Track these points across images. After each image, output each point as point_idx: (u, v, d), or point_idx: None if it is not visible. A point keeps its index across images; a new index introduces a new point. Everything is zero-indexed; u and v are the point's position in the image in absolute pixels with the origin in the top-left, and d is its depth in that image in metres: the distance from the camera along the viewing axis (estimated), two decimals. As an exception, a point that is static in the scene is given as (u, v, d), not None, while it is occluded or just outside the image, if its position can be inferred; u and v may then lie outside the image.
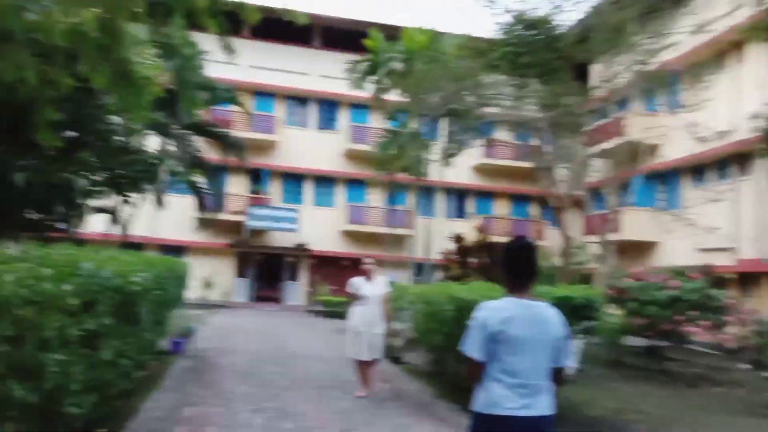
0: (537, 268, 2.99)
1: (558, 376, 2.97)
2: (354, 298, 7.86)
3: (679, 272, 13.67)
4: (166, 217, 26.54)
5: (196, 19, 5.70)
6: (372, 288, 7.82)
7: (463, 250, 15.05)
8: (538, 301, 2.96)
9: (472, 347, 2.84)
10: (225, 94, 15.01)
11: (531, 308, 2.89)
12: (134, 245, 27.68)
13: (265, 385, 8.39)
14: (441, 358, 9.86)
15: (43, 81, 5.47)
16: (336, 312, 23.87)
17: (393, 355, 12.25)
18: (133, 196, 16.81)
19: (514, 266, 2.97)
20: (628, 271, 13.35)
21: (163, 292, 6.95)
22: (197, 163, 14.36)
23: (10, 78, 4.96)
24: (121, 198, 9.71)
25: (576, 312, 6.47)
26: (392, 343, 13.93)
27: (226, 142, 14.86)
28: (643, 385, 10.71)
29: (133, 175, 8.18)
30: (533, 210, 30.30)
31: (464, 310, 7.44)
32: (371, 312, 7.68)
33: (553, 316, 2.92)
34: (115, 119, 9.74)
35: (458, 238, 15.16)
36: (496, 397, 2.77)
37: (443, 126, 15.34)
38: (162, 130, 12.36)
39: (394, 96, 16.30)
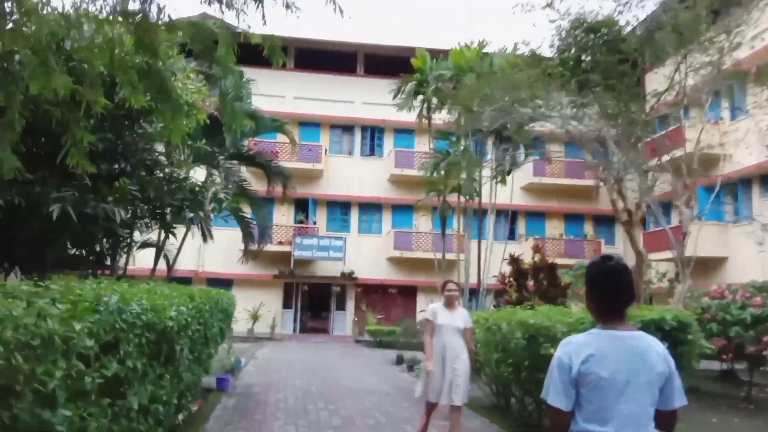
0: (633, 291, 2.47)
1: (667, 420, 2.42)
2: (428, 328, 6.58)
3: (762, 288, 12.44)
4: (212, 250, 26.57)
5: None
6: (452, 317, 6.51)
7: (520, 272, 14.19)
8: (633, 331, 2.45)
9: (554, 393, 2.37)
10: (271, 123, 14.75)
11: (625, 340, 2.37)
12: (181, 280, 28.01)
13: (316, 426, 7.75)
14: (507, 391, 9.06)
15: (76, 101, 5.13)
16: (384, 342, 23.16)
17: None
18: (178, 228, 16.73)
19: (605, 290, 2.44)
20: (705, 289, 12.21)
21: (204, 327, 6.45)
22: (243, 193, 14.07)
23: (41, 93, 4.62)
24: (165, 230, 9.28)
25: (668, 337, 5.61)
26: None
27: (271, 171, 14.55)
28: (728, 415, 9.58)
29: (178, 204, 7.77)
30: (587, 228, 29.04)
31: (535, 338, 6.71)
32: (451, 345, 6.36)
33: (653, 348, 2.39)
34: (158, 149, 9.49)
35: (514, 260, 14.32)
36: None
37: (495, 143, 14.70)
38: (207, 160, 12.10)
39: (442, 115, 15.73)
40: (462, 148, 13.59)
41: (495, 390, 9.61)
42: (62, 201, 6.48)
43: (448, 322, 6.43)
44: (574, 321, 6.26)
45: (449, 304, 6.59)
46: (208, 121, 10.32)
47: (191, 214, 7.71)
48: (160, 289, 5.52)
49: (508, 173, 14.71)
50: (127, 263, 13.79)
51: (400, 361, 16.65)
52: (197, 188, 8.13)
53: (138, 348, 3.71)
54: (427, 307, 6.96)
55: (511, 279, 14.88)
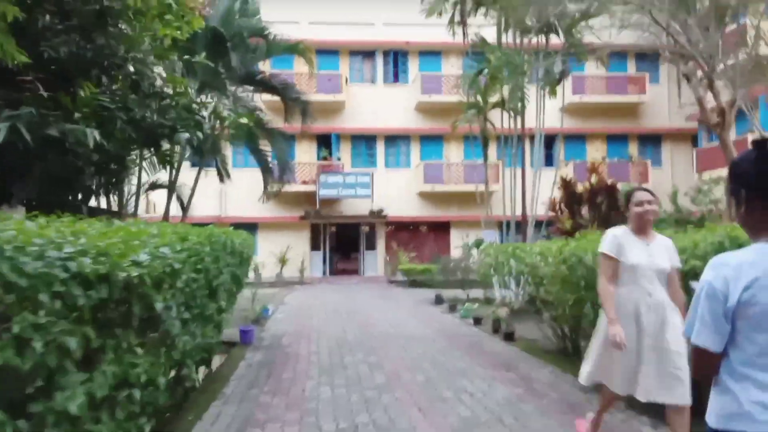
0: None
1: None
2: (608, 270, 3.97)
3: None
4: (235, 192, 25.31)
5: None
6: (650, 253, 3.90)
7: (574, 197, 12.54)
8: None
9: (701, 330, 1.84)
10: (284, 43, 12.94)
11: None
12: (202, 226, 26.86)
13: (356, 384, 6.41)
14: (578, 335, 7.61)
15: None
16: (419, 281, 21.90)
17: (500, 329, 10.07)
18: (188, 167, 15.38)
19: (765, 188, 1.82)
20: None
21: (205, 275, 5.02)
22: (257, 124, 12.48)
23: None
24: (161, 161, 7.74)
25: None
26: (497, 314, 11.76)
27: (288, 98, 12.87)
28: None
29: (170, 124, 6.21)
30: (632, 149, 26.90)
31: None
32: (654, 300, 3.84)
33: None
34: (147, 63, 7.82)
35: (567, 184, 12.64)
36: (743, 404, 1.78)
37: (541, 49, 12.66)
38: (210, 81, 10.45)
39: (477, 20, 13.58)
40: (504, 53, 11.65)
41: (561, 333, 8.17)
42: (15, 119, 4.97)
43: (644, 261, 3.86)
44: (727, 239, 4.29)
45: (642, 228, 3.95)
46: (201, 31, 8.66)
47: (186, 134, 6.16)
48: (141, 228, 4.06)
49: (558, 82, 12.77)
50: (137, 207, 12.50)
51: (439, 301, 15.33)
52: (194, 105, 6.52)
53: (62, 313, 2.23)
54: (606, 235, 4.10)
55: (562, 205, 13.23)
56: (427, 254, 26.09)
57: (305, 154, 26.03)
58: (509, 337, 9.40)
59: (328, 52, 26.26)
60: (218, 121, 6.92)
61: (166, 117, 6.25)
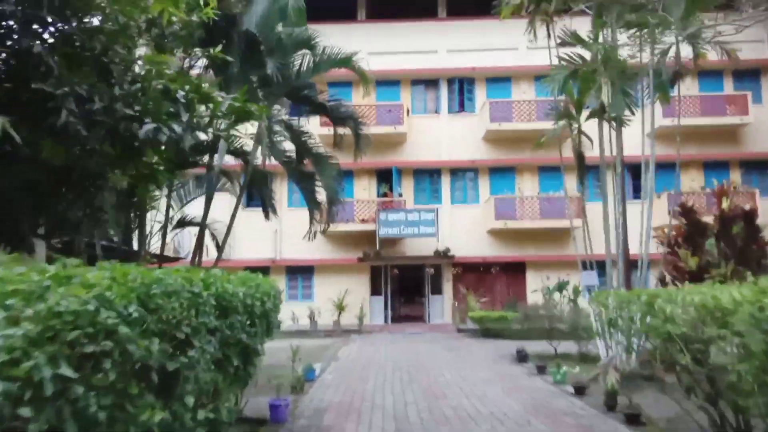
0: None
1: None
2: None
3: None
4: (290, 234, 23.66)
5: None
6: None
7: (697, 228, 9.88)
8: None
9: None
10: (335, 57, 11.16)
11: None
12: (255, 270, 25.22)
13: None
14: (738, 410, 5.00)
15: None
16: (493, 330, 19.20)
17: (616, 404, 7.46)
18: (221, 197, 13.71)
19: None
20: None
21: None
22: (299, 144, 10.63)
23: None
24: (138, 173, 5.72)
25: None
26: (610, 382, 9.12)
27: (338, 115, 10.96)
28: None
29: (132, 114, 4.22)
30: (734, 177, 23.43)
31: None
32: None
33: None
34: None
35: (687, 211, 10.02)
36: None
37: (646, 41, 10.23)
38: (231, 79, 8.62)
39: (563, 22, 11.26)
40: (604, 47, 9.31)
41: (720, 419, 5.56)
42: None
43: None
44: None
45: None
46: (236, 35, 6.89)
47: (151, 126, 4.17)
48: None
49: (672, 84, 10.27)
50: (163, 246, 10.77)
51: (522, 357, 12.68)
52: (171, 83, 4.52)
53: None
54: None
55: (679, 240, 10.51)
56: (499, 299, 23.36)
57: (364, 190, 24.16)
58: (634, 419, 6.78)
59: (389, 82, 24.60)
60: (206, 108, 4.88)
61: (136, 102, 4.31)
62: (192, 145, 10.54)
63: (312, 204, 11.22)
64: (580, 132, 10.39)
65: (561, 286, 20.18)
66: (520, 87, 24.38)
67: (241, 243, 23.87)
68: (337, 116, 10.93)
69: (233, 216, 10.62)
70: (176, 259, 22.23)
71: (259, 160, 12.19)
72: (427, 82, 24.63)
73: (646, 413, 6.94)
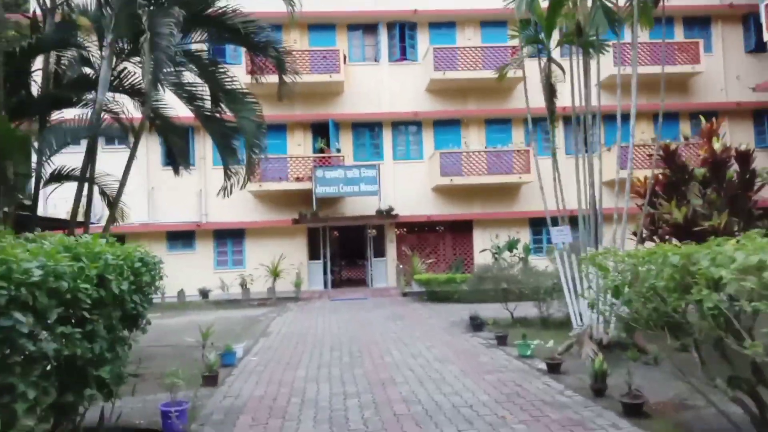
0: None
1: None
2: None
3: None
4: (216, 196, 21.35)
5: None
6: None
7: (683, 174, 8.57)
8: None
9: None
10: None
11: None
12: (180, 235, 22.81)
13: None
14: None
15: None
16: (439, 293, 17.87)
17: (605, 388, 6.08)
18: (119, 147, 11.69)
19: None
20: None
21: None
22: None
23: None
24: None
25: None
26: (583, 352, 7.85)
27: (254, 46, 8.84)
28: None
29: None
30: (683, 129, 22.79)
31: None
32: None
33: None
34: None
35: (670, 155, 8.69)
36: None
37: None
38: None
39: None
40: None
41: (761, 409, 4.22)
42: None
43: None
44: None
45: None
46: None
47: None
48: None
49: (655, 3, 8.76)
50: (34, 207, 8.56)
51: (477, 325, 11.27)
52: None
53: None
54: None
55: (657, 190, 9.18)
56: (445, 259, 22.09)
57: (298, 146, 22.04)
58: (633, 409, 5.36)
59: (323, 26, 22.31)
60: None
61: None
62: (71, 80, 8.27)
63: (226, 152, 9.15)
64: (551, 60, 8.79)
65: (511, 245, 19.05)
66: (464, 33, 22.65)
67: (163, 205, 21.45)
68: (253, 44, 8.83)
69: (127, 169, 8.47)
70: (75, 225, 19.58)
71: (165, 104, 10.00)
72: (365, 26, 22.46)
73: (648, 398, 5.56)
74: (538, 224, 22.25)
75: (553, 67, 9.14)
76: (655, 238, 9.38)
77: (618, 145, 9.39)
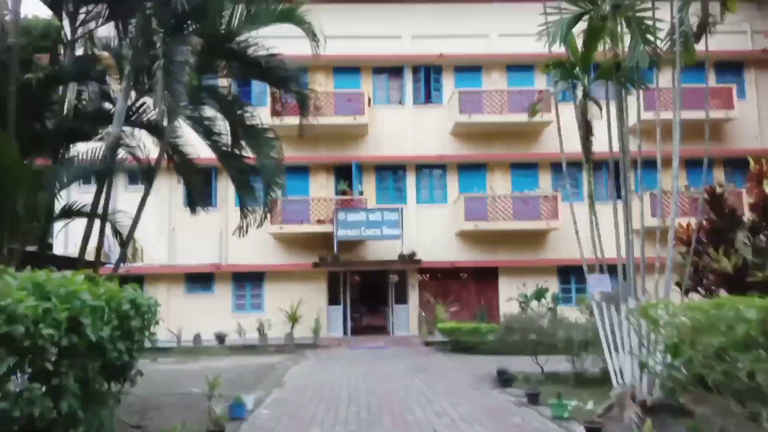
0: None
1: None
2: None
3: None
4: (237, 237, 21.03)
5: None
6: None
7: (732, 221, 7.91)
8: None
9: None
10: (275, 8, 8.81)
11: None
12: (198, 277, 22.36)
13: None
14: None
15: None
16: (463, 343, 17.01)
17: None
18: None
19: None
20: None
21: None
22: (233, 118, 8.20)
23: None
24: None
25: None
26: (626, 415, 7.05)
27: (275, 79, 8.56)
28: None
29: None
30: (717, 176, 21.93)
31: None
32: None
33: None
34: None
35: (716, 200, 8.07)
36: None
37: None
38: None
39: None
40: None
41: None
42: None
43: None
44: None
45: None
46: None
47: None
48: None
49: (698, 38, 8.26)
50: (42, 245, 8.19)
51: (506, 381, 10.46)
52: None
53: None
54: None
55: (701, 237, 8.49)
56: (469, 308, 21.25)
57: (321, 188, 21.73)
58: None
59: (348, 69, 22.30)
60: None
61: None
62: (88, 113, 8.00)
63: (243, 190, 8.75)
64: (587, 95, 8.27)
65: (540, 294, 18.22)
66: (490, 77, 22.42)
67: (183, 247, 21.17)
68: (275, 77, 8.54)
69: (141, 206, 8.10)
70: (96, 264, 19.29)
71: (184, 141, 9.72)
72: (391, 69, 22.41)
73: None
74: (566, 273, 21.42)
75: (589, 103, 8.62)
76: (699, 288, 8.63)
77: (649, 192, 8.80)
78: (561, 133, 9.63)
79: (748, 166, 22.17)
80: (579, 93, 8.60)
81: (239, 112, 8.46)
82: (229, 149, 8.61)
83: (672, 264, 7.78)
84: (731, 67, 22.85)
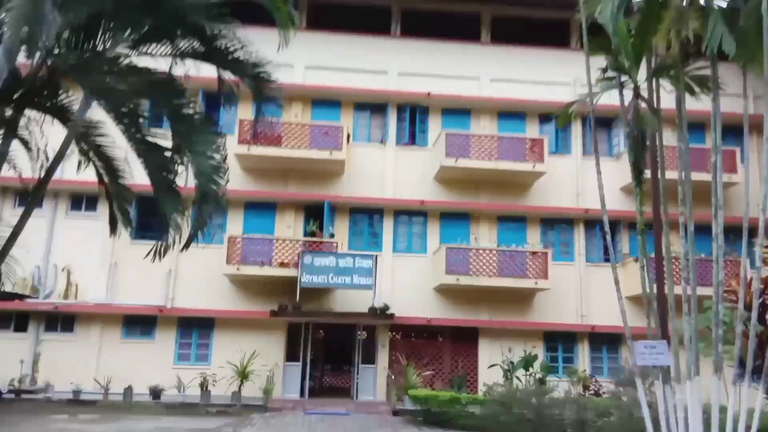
0: None
1: None
2: None
3: None
4: (186, 277, 18.58)
5: None
6: None
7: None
8: None
9: None
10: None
11: None
12: (141, 320, 19.47)
13: None
14: None
15: None
16: (438, 415, 14.55)
17: None
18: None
19: None
20: None
21: None
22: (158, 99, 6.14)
23: None
24: None
25: None
26: None
27: (228, 62, 6.57)
28: None
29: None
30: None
31: None
32: None
33: None
34: None
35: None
36: None
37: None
38: None
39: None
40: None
41: None
42: None
43: None
44: None
45: None
46: None
47: None
48: None
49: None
50: None
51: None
52: None
53: None
54: None
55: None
56: (444, 373, 18.91)
57: (288, 228, 19.51)
58: None
59: (328, 102, 20.59)
60: None
61: None
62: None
63: (163, 195, 6.52)
64: (638, 95, 6.47)
65: (529, 362, 16.03)
66: (479, 122, 20.91)
67: (125, 284, 18.59)
68: (224, 55, 6.52)
69: (23, 218, 5.81)
70: (19, 297, 16.60)
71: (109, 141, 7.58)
72: (374, 106, 20.73)
73: None
74: (553, 338, 19.37)
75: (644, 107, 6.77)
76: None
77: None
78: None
79: (752, 236, 20.52)
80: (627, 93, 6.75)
81: (168, 89, 6.39)
82: (144, 136, 6.47)
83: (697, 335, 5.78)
84: (731, 131, 21.72)
